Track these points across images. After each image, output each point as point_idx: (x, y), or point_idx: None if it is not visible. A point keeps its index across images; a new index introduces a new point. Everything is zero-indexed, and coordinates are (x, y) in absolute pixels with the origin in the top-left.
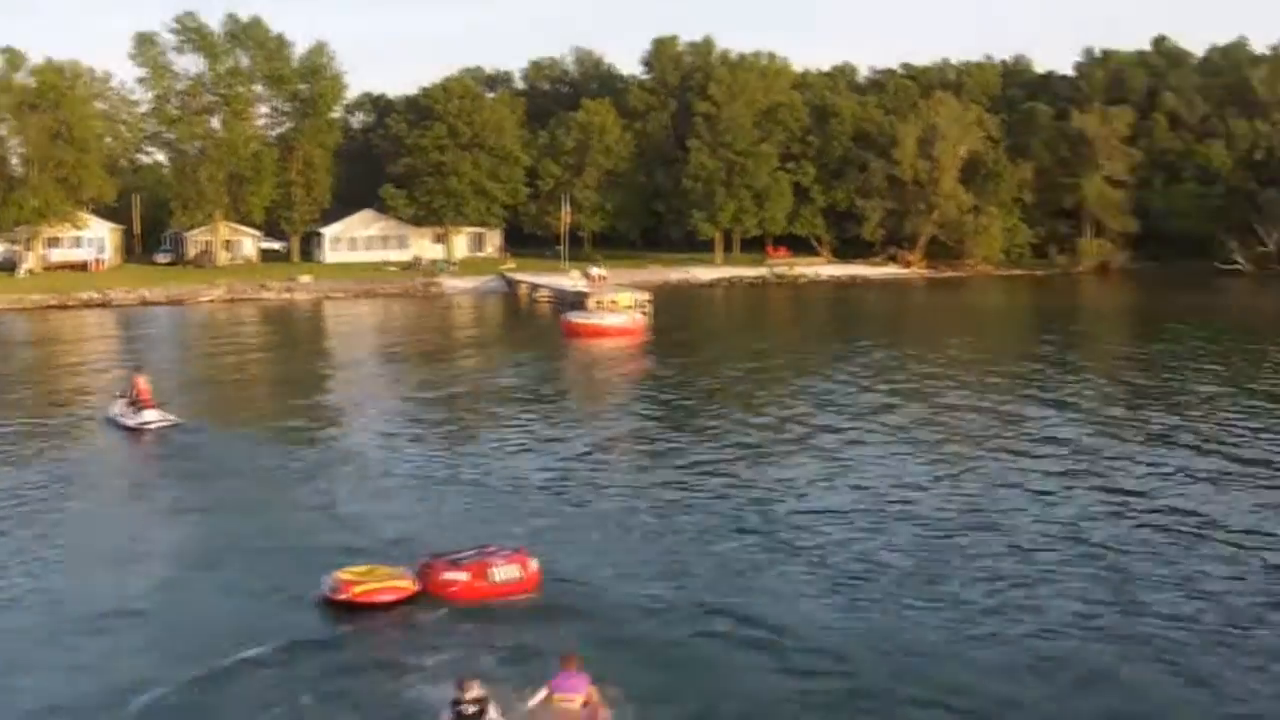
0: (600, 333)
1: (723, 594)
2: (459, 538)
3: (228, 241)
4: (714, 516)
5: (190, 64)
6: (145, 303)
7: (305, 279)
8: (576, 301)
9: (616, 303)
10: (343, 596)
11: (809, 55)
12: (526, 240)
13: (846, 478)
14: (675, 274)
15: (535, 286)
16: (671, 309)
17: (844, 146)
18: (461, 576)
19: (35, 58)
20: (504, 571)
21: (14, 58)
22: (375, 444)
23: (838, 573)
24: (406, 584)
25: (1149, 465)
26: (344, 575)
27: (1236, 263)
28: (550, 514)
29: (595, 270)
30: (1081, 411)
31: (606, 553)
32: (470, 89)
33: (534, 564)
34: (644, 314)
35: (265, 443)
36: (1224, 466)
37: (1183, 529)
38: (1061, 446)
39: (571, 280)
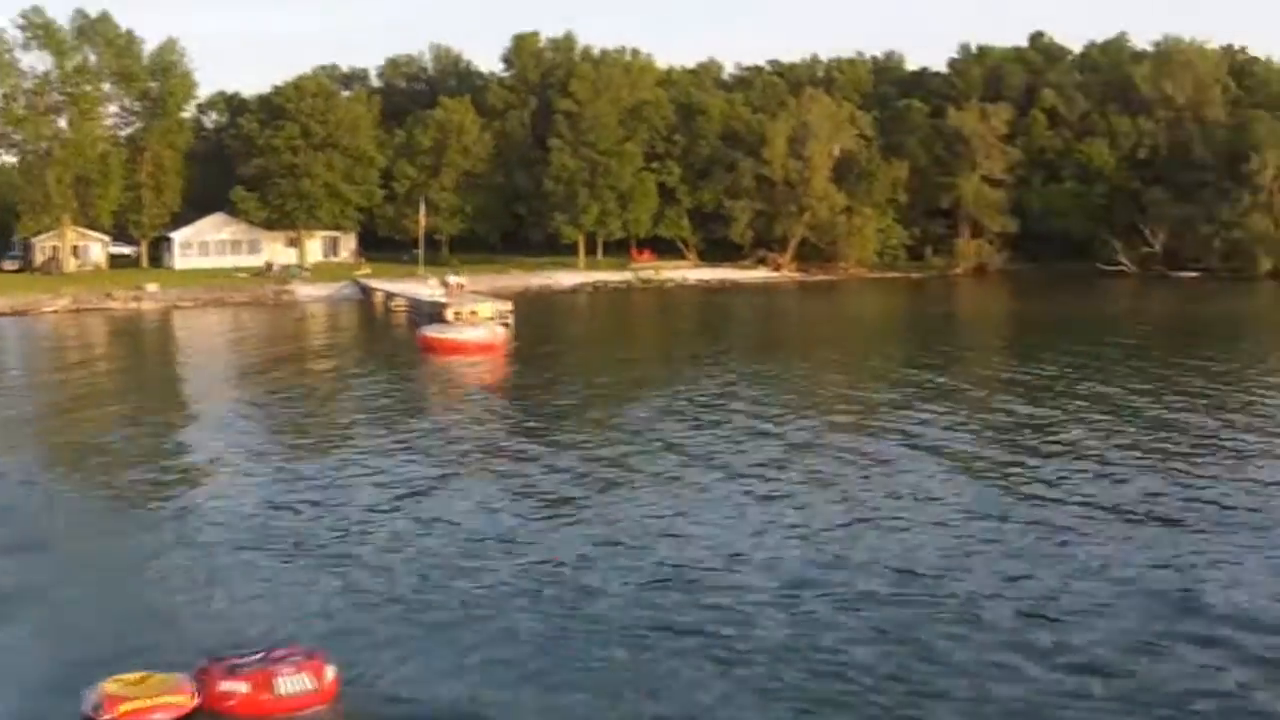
0: (459, 349)
1: (581, 707)
2: (257, 627)
3: (75, 247)
4: (568, 594)
5: (37, 61)
6: None
7: (152, 287)
8: (434, 312)
9: (476, 314)
10: (106, 717)
11: (673, 52)
12: (383, 244)
13: (713, 539)
14: (537, 279)
15: (391, 295)
16: (534, 318)
17: (711, 146)
18: (241, 688)
19: None
20: (292, 682)
21: None
22: (183, 494)
23: (729, 667)
24: (183, 698)
25: (1029, 524)
26: (110, 688)
27: (1120, 264)
28: (369, 593)
29: (453, 278)
30: (949, 456)
31: (432, 650)
32: (324, 87)
33: (330, 671)
34: (505, 325)
35: (68, 490)
36: (1108, 522)
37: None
38: (933, 500)
39: (429, 288)
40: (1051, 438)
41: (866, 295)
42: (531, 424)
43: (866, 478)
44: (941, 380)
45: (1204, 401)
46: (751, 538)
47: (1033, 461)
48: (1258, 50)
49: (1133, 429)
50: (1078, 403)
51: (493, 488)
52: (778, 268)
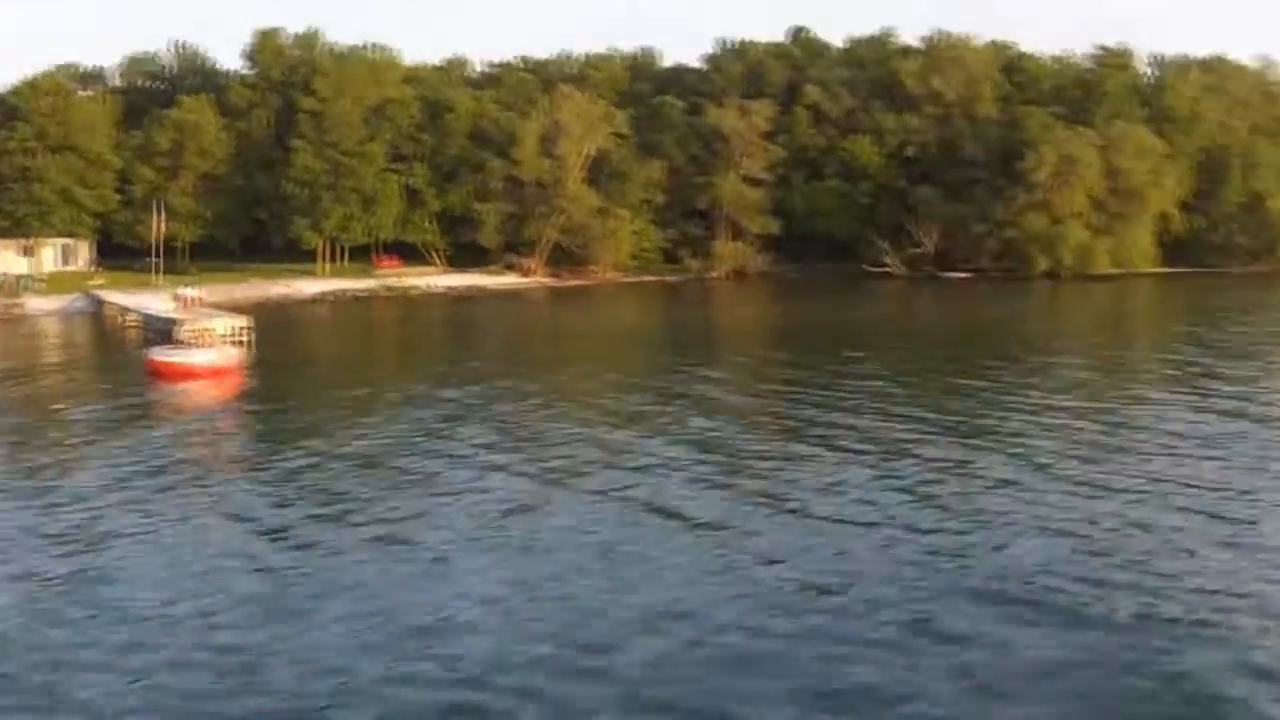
0: (188, 374)
1: None
2: None
3: None
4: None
5: None
6: None
7: None
8: (166, 329)
9: (210, 332)
10: None
11: (420, 48)
12: (119, 252)
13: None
14: (277, 288)
15: (125, 309)
16: (273, 334)
17: (459, 145)
18: None
19: None
20: None
21: None
22: None
23: None
24: None
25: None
26: None
27: (888, 265)
28: None
29: (188, 291)
30: (675, 516)
31: None
32: (61, 86)
33: None
34: (242, 344)
35: None
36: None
37: None
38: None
39: (163, 301)
40: (794, 489)
41: (619, 302)
42: (245, 485)
43: (584, 544)
44: (683, 413)
45: (965, 435)
46: (480, 614)
47: (769, 521)
48: (1027, 46)
49: (889, 471)
50: (828, 441)
51: (199, 571)
52: (528, 273)
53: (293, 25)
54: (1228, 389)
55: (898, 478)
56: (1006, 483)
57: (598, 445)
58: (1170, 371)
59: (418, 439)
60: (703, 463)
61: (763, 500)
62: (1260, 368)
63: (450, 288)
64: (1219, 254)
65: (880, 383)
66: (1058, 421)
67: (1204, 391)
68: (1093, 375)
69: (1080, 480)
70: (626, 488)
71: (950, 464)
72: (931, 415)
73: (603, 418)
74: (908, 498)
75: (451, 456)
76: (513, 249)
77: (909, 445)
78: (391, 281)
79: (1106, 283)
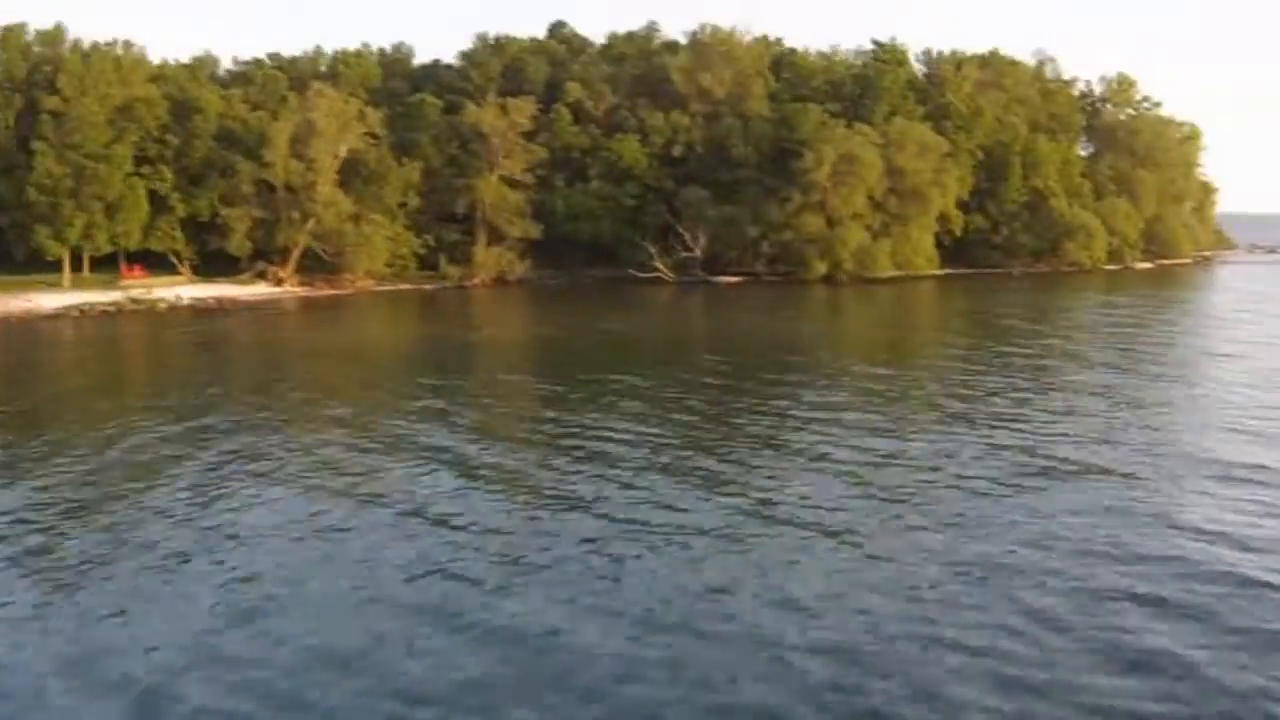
0: None
1: None
2: None
3: None
4: None
5: None
6: None
7: None
8: None
9: None
10: None
11: (167, 45)
12: None
13: None
14: (17, 303)
15: None
16: (10, 357)
17: (207, 147)
18: None
19: None
20: None
21: None
22: None
23: None
24: None
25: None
26: None
27: (656, 270)
28: None
29: None
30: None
31: None
32: None
33: None
34: None
35: None
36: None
37: None
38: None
39: None
40: (531, 574)
41: (372, 314)
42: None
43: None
44: (416, 468)
45: (730, 487)
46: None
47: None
48: (794, 41)
49: (645, 545)
50: (582, 504)
51: None
52: (279, 282)
53: (38, 20)
54: (1015, 414)
55: (645, 550)
56: (769, 548)
57: (309, 524)
58: (960, 393)
59: (113, 513)
60: (436, 551)
61: (488, 604)
62: (1040, 387)
63: (198, 299)
64: (1001, 254)
65: (645, 426)
66: (834, 468)
67: (993, 423)
68: (872, 400)
69: (862, 549)
70: (334, 582)
71: (714, 530)
72: (703, 465)
73: (327, 476)
74: (650, 583)
75: (142, 544)
76: (263, 257)
77: (669, 506)
78: (138, 293)
79: (887, 286)
